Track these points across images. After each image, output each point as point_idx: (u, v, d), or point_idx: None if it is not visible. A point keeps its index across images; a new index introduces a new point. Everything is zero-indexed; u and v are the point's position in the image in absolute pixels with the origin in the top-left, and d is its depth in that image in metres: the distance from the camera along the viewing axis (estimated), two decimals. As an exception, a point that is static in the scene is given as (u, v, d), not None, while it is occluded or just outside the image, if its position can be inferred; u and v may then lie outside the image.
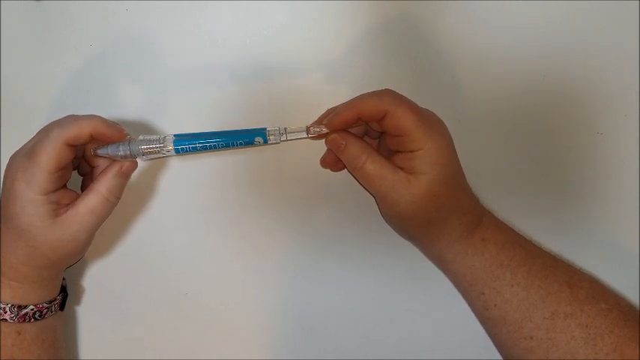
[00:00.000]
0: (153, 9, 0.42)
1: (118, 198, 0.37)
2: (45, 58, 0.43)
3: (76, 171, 0.40)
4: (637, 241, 0.43)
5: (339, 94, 0.42)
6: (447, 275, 0.41)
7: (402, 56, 0.43)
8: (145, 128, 0.43)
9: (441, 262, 0.41)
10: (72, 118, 0.36)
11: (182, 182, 0.43)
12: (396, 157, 0.37)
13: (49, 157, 0.34)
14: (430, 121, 0.36)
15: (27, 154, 0.35)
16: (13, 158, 0.36)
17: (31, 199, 0.34)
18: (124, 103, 0.43)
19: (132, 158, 0.37)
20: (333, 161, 0.42)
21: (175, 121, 0.43)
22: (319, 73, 0.43)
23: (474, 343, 0.42)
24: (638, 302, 0.40)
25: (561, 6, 0.42)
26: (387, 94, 0.36)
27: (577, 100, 0.43)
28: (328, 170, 0.42)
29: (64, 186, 0.37)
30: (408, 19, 0.42)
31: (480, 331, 0.41)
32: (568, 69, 0.43)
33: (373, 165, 0.37)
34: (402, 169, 0.36)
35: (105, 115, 0.40)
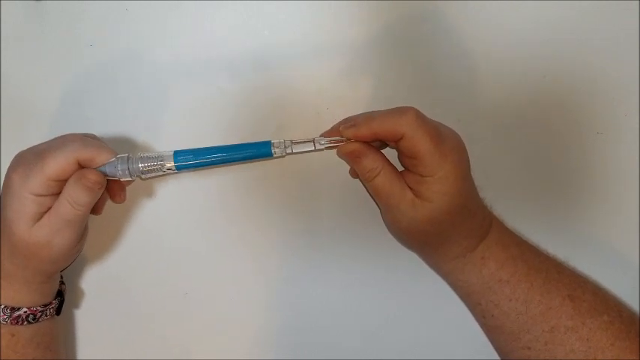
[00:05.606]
0: (153, 9, 0.42)
1: (84, 207, 0.34)
2: (45, 58, 0.43)
3: None
4: (637, 241, 0.43)
5: (339, 94, 0.42)
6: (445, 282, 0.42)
7: (402, 56, 0.43)
8: (144, 128, 0.43)
9: (437, 272, 0.41)
10: (97, 144, 0.35)
11: (181, 183, 0.43)
12: (407, 174, 0.37)
13: (56, 163, 0.34)
14: (448, 148, 0.35)
15: (37, 152, 0.35)
16: (22, 152, 0.36)
17: (19, 194, 0.34)
18: (123, 103, 0.43)
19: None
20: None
21: (175, 121, 0.43)
22: (319, 74, 0.43)
23: (474, 343, 0.42)
24: (638, 302, 0.40)
25: (561, 5, 0.42)
26: (407, 114, 0.35)
27: (577, 100, 0.43)
28: (328, 170, 0.42)
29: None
30: (409, 20, 0.42)
31: (480, 332, 0.41)
32: (568, 69, 0.43)
33: (383, 180, 0.36)
34: (410, 188, 0.36)
35: (104, 115, 0.40)
